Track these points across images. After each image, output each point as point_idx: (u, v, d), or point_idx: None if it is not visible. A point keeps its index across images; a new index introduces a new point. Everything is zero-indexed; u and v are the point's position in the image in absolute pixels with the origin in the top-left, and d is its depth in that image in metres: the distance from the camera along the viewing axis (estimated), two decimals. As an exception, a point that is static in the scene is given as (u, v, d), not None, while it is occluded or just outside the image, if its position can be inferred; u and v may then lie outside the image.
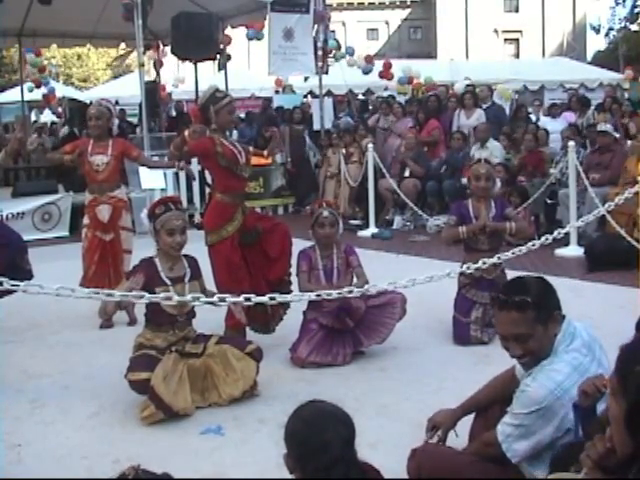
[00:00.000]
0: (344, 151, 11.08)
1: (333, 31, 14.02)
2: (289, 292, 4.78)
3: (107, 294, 3.59)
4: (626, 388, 1.58)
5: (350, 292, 3.88)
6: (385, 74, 15.74)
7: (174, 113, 15.82)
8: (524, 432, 2.39)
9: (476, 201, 5.19)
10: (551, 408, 2.33)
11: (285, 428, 2.03)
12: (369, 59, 15.44)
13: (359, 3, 49.00)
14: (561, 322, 2.46)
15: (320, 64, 12.46)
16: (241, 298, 3.62)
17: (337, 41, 14.18)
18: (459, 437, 2.89)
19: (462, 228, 5.09)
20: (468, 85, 13.37)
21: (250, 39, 13.43)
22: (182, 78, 17.54)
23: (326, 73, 12.73)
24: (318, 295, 3.86)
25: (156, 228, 4.02)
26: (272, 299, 3.71)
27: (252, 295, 3.63)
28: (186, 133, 4.78)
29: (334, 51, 13.98)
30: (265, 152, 5.44)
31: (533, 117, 12.78)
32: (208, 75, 14.00)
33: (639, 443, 1.54)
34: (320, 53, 12.40)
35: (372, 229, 9.79)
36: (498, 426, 2.48)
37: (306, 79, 14.49)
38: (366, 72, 15.56)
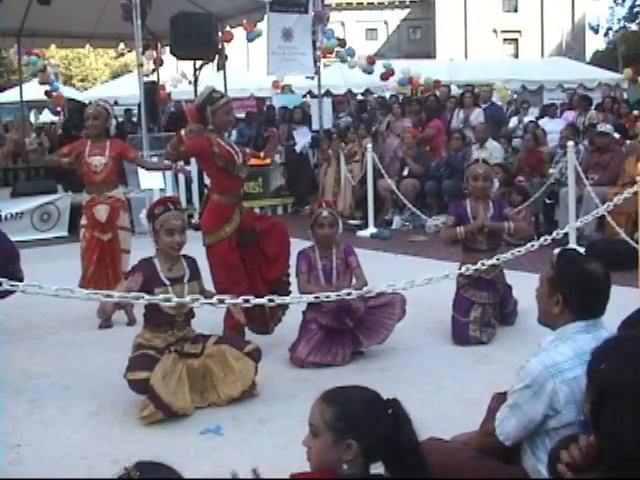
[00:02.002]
0: (346, 150, 11.07)
1: (331, 30, 14.00)
2: (288, 292, 4.78)
3: (106, 295, 3.59)
4: (591, 388, 1.59)
5: (349, 294, 3.88)
6: (386, 77, 15.73)
7: (173, 112, 15.82)
8: (516, 410, 2.42)
9: (474, 201, 5.20)
10: (543, 385, 2.36)
11: (339, 417, 1.94)
12: (371, 60, 15.41)
13: (358, 3, 48.99)
14: (580, 315, 2.48)
15: (318, 64, 12.47)
16: (240, 300, 3.62)
17: (338, 39, 14.14)
18: None
19: (460, 229, 5.09)
20: (467, 85, 13.39)
21: (250, 40, 13.41)
22: (180, 78, 17.52)
23: (317, 74, 12.69)
24: (317, 297, 3.87)
25: (155, 228, 4.02)
26: (271, 301, 3.72)
27: (251, 297, 3.63)
28: (182, 132, 4.78)
29: (337, 49, 13.95)
30: (262, 154, 5.44)
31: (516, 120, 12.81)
32: (207, 75, 13.98)
33: (602, 442, 1.55)
34: (319, 53, 12.40)
35: (371, 229, 9.80)
36: (498, 413, 2.52)
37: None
38: (367, 72, 15.55)
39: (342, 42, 14.11)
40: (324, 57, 13.14)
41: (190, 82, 13.48)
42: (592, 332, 2.45)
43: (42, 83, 16.11)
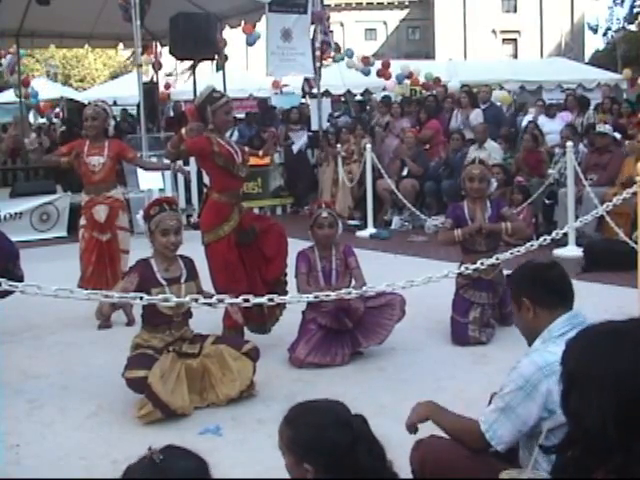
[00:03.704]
0: (343, 151, 11.05)
1: (332, 31, 14.00)
2: (285, 292, 4.79)
3: (105, 295, 3.59)
4: (562, 375, 1.70)
5: (348, 293, 3.88)
6: (383, 73, 15.72)
7: (172, 113, 15.82)
8: (509, 413, 2.38)
9: (471, 202, 5.20)
10: (537, 386, 2.34)
11: (292, 440, 1.94)
12: (366, 60, 15.41)
13: (357, 3, 49.01)
14: (553, 310, 2.50)
15: (317, 64, 12.47)
16: (239, 299, 3.62)
17: (337, 44, 14.17)
18: None
19: (457, 231, 5.09)
20: (463, 85, 13.39)
21: (250, 44, 13.38)
22: (175, 79, 17.38)
23: (317, 74, 12.68)
24: (316, 297, 3.87)
25: (151, 229, 4.04)
26: (271, 300, 3.72)
27: (250, 296, 3.63)
28: (183, 131, 4.78)
29: (333, 53, 13.97)
30: (260, 152, 5.44)
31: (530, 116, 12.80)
32: (206, 76, 13.99)
33: (569, 424, 1.68)
34: (318, 53, 12.40)
35: (370, 229, 9.80)
36: (481, 417, 2.47)
37: (307, 81, 14.36)
38: (365, 74, 15.56)
39: (337, 48, 14.12)
40: (323, 60, 13.13)
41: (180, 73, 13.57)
42: (578, 328, 2.45)
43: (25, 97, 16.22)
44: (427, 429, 2.89)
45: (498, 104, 13.06)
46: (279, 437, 1.98)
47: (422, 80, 15.78)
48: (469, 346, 4.89)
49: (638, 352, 1.59)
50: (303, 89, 13.59)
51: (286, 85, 16.99)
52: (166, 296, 3.68)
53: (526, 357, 2.44)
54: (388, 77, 15.77)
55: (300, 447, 1.91)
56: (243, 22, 12.62)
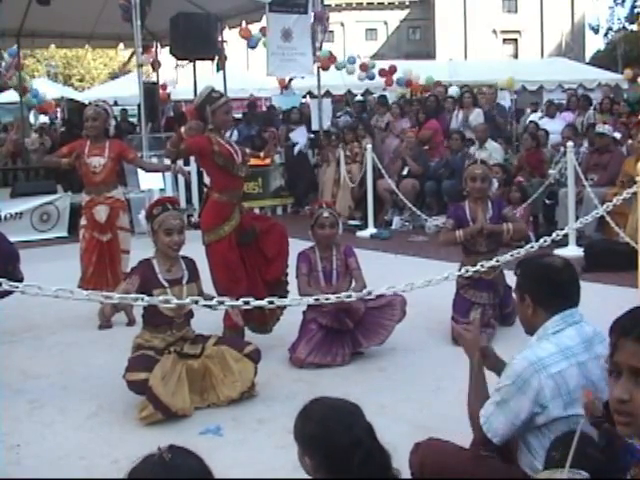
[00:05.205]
0: (349, 152, 11.04)
1: (331, 31, 14.00)
2: (286, 292, 4.79)
3: (105, 296, 3.59)
4: None
5: (349, 297, 3.88)
6: (387, 80, 15.73)
7: (172, 113, 15.83)
8: (503, 407, 2.43)
9: (473, 203, 5.19)
10: (528, 381, 2.37)
11: (299, 433, 2.04)
12: (364, 67, 15.44)
13: (357, 3, 48.99)
14: (553, 310, 2.51)
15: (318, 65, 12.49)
16: (240, 302, 3.62)
17: (330, 52, 14.17)
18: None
19: (459, 232, 5.09)
20: (464, 86, 13.38)
21: (252, 47, 13.38)
22: (174, 79, 17.36)
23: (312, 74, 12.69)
24: (317, 299, 3.87)
25: (154, 228, 4.03)
26: (271, 303, 3.71)
27: (251, 298, 3.63)
28: (182, 130, 4.78)
29: (335, 60, 14.04)
30: (262, 154, 5.44)
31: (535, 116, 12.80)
32: (207, 76, 13.99)
33: None
34: (318, 54, 12.40)
35: (371, 229, 9.80)
36: (481, 410, 2.51)
37: (290, 81, 14.44)
38: (361, 79, 15.64)
39: (332, 58, 14.11)
40: (323, 69, 13.19)
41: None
42: (573, 326, 2.47)
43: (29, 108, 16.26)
44: (426, 432, 2.89)
45: (501, 102, 13.05)
46: (293, 426, 2.08)
47: (422, 82, 15.77)
48: (469, 346, 4.88)
49: None
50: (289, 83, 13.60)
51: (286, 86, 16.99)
52: (167, 297, 3.67)
53: (519, 354, 2.48)
54: (390, 83, 15.76)
55: (304, 440, 2.01)
56: (244, 22, 12.64)
